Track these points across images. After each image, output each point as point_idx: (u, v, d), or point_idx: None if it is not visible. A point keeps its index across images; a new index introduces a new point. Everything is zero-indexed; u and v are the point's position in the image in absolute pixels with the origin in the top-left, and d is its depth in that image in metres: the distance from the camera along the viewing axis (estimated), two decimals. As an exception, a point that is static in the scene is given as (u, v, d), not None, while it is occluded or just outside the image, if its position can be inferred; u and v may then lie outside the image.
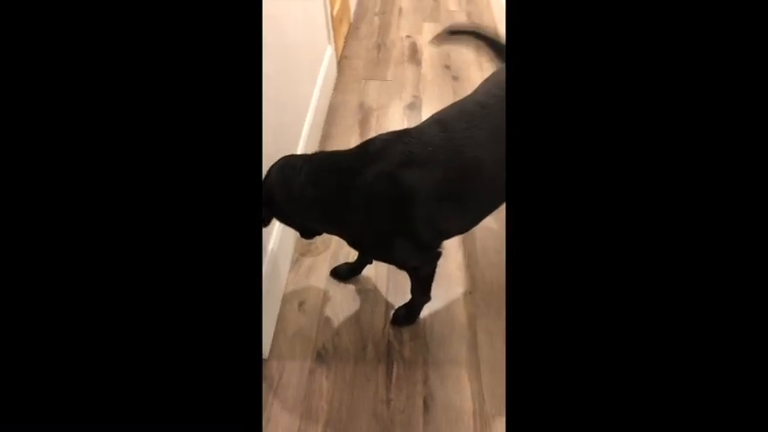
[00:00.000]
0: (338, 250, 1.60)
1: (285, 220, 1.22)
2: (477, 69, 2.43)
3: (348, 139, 2.03)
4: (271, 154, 1.22)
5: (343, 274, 1.52)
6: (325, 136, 2.06)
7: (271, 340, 1.37)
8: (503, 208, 1.24)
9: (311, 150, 1.69)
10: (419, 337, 1.37)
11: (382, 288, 1.50)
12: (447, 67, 2.47)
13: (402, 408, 1.22)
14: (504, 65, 1.29)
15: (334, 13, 2.32)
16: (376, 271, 1.53)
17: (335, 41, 2.35)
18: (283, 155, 1.21)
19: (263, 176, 1.17)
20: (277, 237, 1.41)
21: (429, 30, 2.80)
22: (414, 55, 2.58)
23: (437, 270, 1.29)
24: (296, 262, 1.58)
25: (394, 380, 1.28)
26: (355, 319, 1.42)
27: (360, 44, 2.70)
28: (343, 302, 1.47)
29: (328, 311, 1.45)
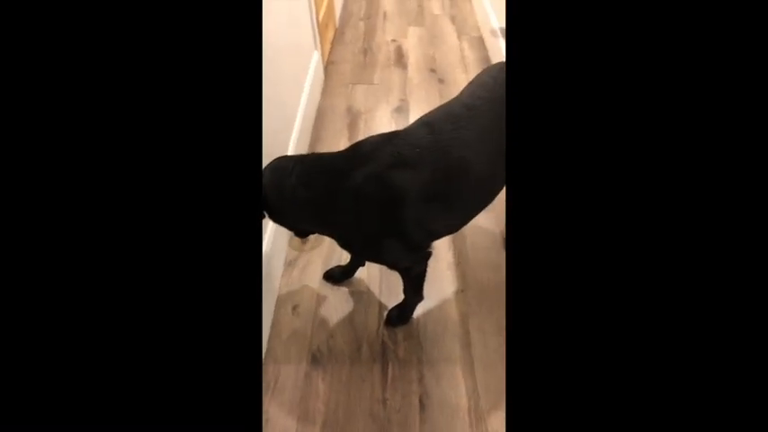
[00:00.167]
0: (331, 253, 1.61)
1: (277, 221, 1.23)
2: (462, 72, 2.46)
3: (337, 143, 2.04)
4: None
5: (336, 276, 1.53)
6: (315, 140, 2.06)
7: (266, 344, 1.37)
8: (491, 207, 1.26)
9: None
10: (413, 336, 1.38)
11: (375, 289, 1.51)
12: (432, 70, 2.49)
13: (398, 407, 1.24)
14: (487, 66, 1.32)
15: (320, 18, 2.33)
16: (368, 272, 1.54)
17: (322, 47, 2.36)
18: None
19: None
20: (270, 239, 1.42)
21: (414, 33, 2.82)
22: (400, 59, 2.60)
23: (428, 270, 1.30)
24: (289, 265, 1.59)
25: (389, 380, 1.29)
26: (349, 320, 1.43)
27: (346, 49, 2.71)
28: (336, 304, 1.47)
29: (322, 314, 1.45)
